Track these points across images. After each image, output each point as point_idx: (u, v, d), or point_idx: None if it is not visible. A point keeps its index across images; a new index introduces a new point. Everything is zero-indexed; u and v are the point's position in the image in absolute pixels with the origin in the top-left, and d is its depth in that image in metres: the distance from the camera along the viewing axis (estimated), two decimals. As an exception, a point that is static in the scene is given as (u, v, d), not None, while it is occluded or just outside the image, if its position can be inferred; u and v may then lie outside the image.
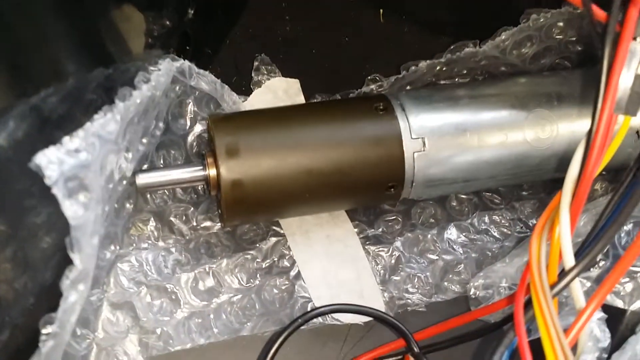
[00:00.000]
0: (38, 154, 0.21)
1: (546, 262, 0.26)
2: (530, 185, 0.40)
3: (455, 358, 0.34)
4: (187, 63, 0.33)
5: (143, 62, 0.31)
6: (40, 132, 0.25)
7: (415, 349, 0.33)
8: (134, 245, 0.35)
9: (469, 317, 0.32)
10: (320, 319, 0.35)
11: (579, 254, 0.26)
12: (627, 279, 0.30)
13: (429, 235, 0.38)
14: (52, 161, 0.22)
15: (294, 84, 0.39)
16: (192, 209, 0.37)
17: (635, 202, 0.25)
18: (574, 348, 0.26)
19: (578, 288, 0.26)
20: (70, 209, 0.22)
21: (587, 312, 0.25)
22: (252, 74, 0.39)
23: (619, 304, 0.30)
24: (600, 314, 0.27)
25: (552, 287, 0.25)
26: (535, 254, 0.25)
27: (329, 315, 0.35)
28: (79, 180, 0.23)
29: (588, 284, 0.30)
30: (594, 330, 0.26)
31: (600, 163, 0.25)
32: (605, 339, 0.27)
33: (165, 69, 0.31)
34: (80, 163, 0.23)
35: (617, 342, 0.28)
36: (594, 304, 0.25)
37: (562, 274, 0.26)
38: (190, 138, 0.37)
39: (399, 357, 0.34)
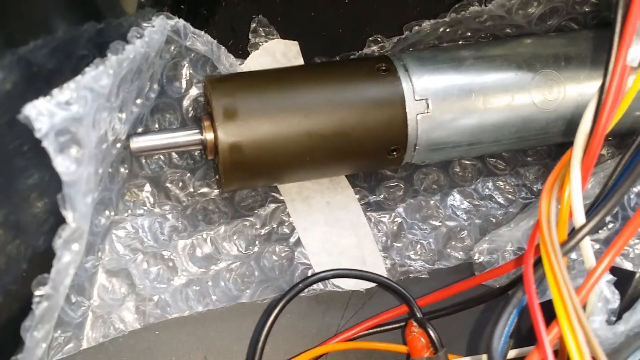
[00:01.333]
0: (27, 105, 0.20)
1: (556, 221, 0.25)
2: (535, 150, 0.39)
3: (459, 324, 0.34)
4: (182, 22, 0.31)
5: (136, 18, 0.29)
6: (29, 86, 0.24)
7: (418, 314, 0.32)
8: (129, 211, 0.34)
9: (473, 281, 0.31)
10: (321, 286, 0.34)
11: (588, 214, 0.25)
12: (637, 241, 0.30)
13: (432, 202, 0.37)
14: (42, 113, 0.21)
15: (293, 46, 0.37)
16: (188, 174, 0.36)
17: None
18: (583, 309, 0.25)
19: (588, 247, 0.25)
20: (62, 164, 0.21)
21: (598, 271, 0.24)
22: (249, 36, 0.38)
23: (628, 266, 0.29)
24: (609, 276, 0.27)
25: (562, 245, 0.24)
26: (545, 212, 0.24)
27: (330, 281, 0.34)
28: (70, 135, 0.22)
29: (597, 246, 0.30)
30: (604, 291, 0.26)
31: (613, 117, 0.24)
32: (615, 301, 0.26)
33: (160, 26, 0.29)
34: (71, 116, 0.22)
35: (626, 304, 0.28)
36: (605, 263, 0.24)
37: (572, 232, 0.25)
38: (185, 102, 0.36)
39: (402, 323, 0.33)
